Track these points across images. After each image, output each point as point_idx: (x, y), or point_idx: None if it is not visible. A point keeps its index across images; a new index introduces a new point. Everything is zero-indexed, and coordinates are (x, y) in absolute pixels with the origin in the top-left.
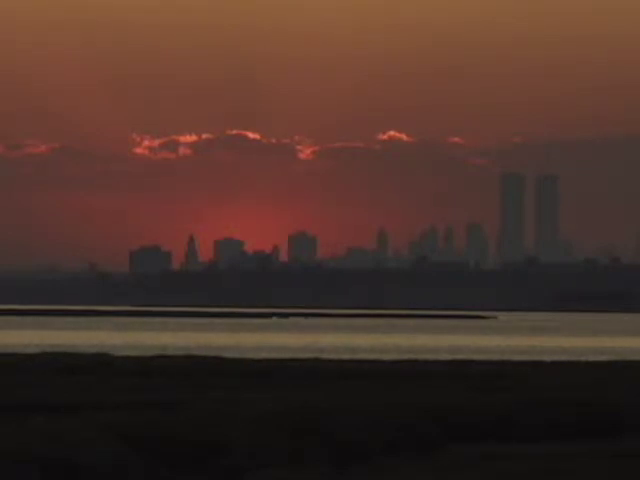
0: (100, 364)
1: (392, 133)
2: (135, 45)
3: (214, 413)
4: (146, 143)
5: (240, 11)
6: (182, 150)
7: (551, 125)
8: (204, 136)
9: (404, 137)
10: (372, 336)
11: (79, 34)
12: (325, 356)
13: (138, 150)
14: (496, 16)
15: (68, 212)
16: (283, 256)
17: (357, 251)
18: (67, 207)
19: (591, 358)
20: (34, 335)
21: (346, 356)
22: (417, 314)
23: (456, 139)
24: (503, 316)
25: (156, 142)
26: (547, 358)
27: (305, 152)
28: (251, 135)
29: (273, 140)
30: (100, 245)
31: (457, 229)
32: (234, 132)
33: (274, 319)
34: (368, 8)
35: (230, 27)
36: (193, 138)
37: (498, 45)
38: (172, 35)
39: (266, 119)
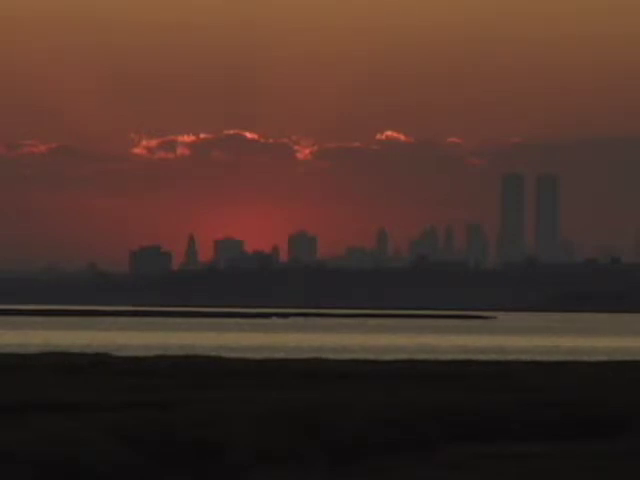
0: (100, 364)
1: (390, 133)
2: (134, 45)
3: (214, 413)
4: (144, 143)
5: (239, 11)
6: (180, 150)
7: (551, 125)
8: (202, 136)
9: (402, 137)
10: (372, 336)
11: (79, 34)
12: (325, 356)
13: (136, 150)
14: (496, 16)
15: (68, 212)
16: (283, 256)
17: (357, 251)
18: (67, 207)
19: (591, 358)
20: (34, 335)
21: (346, 356)
22: (417, 314)
23: (454, 139)
24: (503, 316)
25: (154, 142)
26: (547, 358)
27: (303, 152)
28: (249, 135)
29: (271, 140)
30: (100, 245)
31: (457, 229)
32: (232, 132)
33: (274, 319)
34: (367, 8)
35: (229, 27)
36: (191, 138)
37: (498, 45)
38: (171, 35)
39: (264, 119)
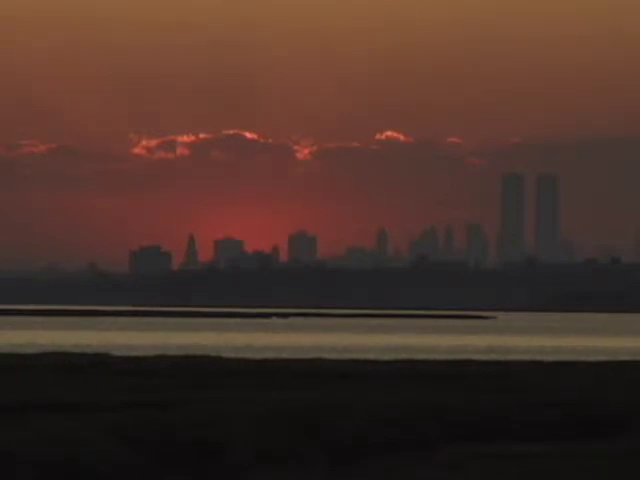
0: (100, 364)
1: (389, 133)
2: (133, 45)
3: (214, 413)
4: (144, 143)
5: (239, 11)
6: (180, 150)
7: (551, 125)
8: (202, 136)
9: (401, 137)
10: (372, 336)
11: (79, 34)
12: (325, 356)
13: (136, 150)
14: (496, 16)
15: (68, 212)
16: (283, 256)
17: (357, 251)
18: (67, 207)
19: (591, 358)
20: (34, 335)
21: (346, 356)
22: (417, 314)
23: (454, 139)
24: (503, 316)
25: (154, 142)
26: (547, 358)
27: (303, 152)
28: (249, 135)
29: (270, 140)
30: (100, 245)
31: (457, 229)
32: (231, 132)
33: (274, 319)
34: (367, 8)
35: (229, 27)
36: (191, 138)
37: (498, 45)
38: (171, 35)
39: (264, 119)
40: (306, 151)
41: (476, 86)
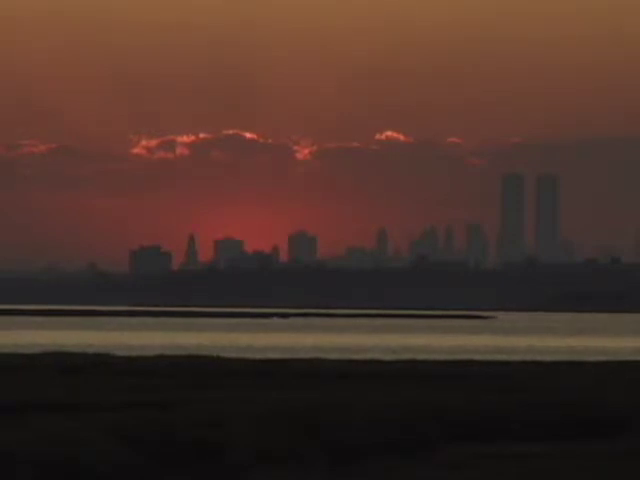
0: (100, 364)
1: (389, 133)
2: (133, 45)
3: (214, 413)
4: (144, 143)
5: (239, 11)
6: (180, 150)
7: (551, 125)
8: (201, 136)
9: (401, 137)
10: (372, 336)
11: (79, 34)
12: (325, 356)
13: (136, 150)
14: (496, 16)
15: (68, 212)
16: (283, 256)
17: (357, 251)
18: (67, 207)
19: (591, 358)
20: (34, 335)
21: (346, 356)
22: (417, 314)
23: (454, 139)
24: (503, 316)
25: (154, 142)
26: (547, 358)
27: (302, 152)
28: (248, 135)
29: (270, 140)
30: (100, 245)
31: (457, 229)
32: (231, 132)
33: (274, 319)
34: (367, 8)
35: (229, 27)
36: (191, 138)
37: (498, 45)
38: (171, 35)
39: (263, 119)
40: (306, 151)
41: (476, 86)
